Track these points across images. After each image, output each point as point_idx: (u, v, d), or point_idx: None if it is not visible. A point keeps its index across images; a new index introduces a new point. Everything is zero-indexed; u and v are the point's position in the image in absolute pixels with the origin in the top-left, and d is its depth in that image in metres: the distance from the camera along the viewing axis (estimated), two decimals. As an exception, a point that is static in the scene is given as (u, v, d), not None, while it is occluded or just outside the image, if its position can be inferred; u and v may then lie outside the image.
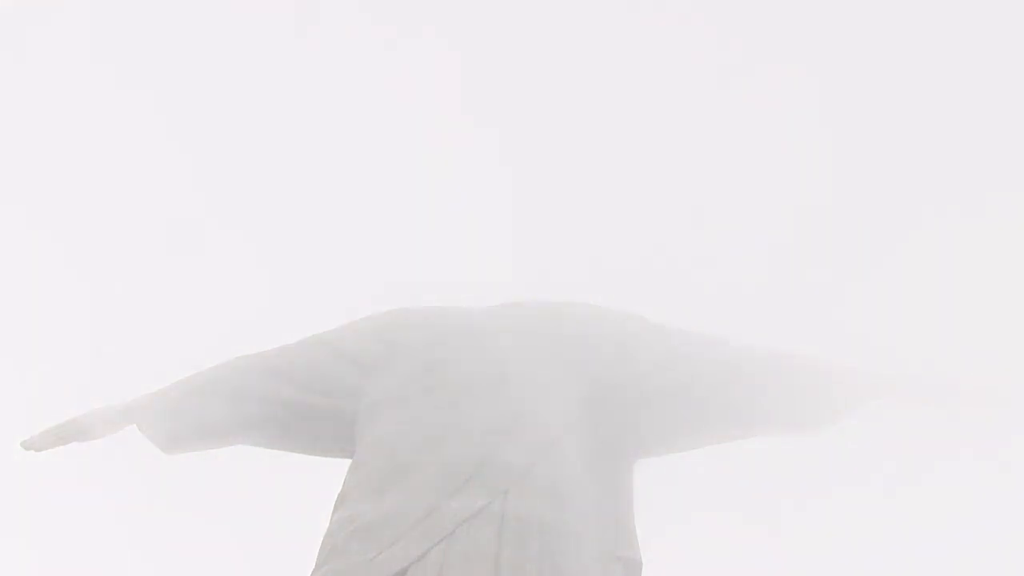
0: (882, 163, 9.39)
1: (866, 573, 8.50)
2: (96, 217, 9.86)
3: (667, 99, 9.71)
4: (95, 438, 7.46)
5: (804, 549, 8.43)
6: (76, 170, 9.94)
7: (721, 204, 9.38)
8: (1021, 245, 8.83)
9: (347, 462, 7.10)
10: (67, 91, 10.02)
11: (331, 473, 7.15)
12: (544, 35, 9.87)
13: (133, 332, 9.29)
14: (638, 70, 9.78)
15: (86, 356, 9.20)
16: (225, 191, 9.76)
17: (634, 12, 9.81)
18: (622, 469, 7.09)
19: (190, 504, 8.81)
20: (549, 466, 6.81)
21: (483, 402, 6.98)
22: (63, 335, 9.51)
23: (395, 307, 7.61)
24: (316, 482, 7.40)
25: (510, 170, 9.63)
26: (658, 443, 7.19)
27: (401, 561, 6.60)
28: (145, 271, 9.63)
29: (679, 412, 7.11)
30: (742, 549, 8.50)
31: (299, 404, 7.25)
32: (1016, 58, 9.40)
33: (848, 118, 9.52)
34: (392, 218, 9.60)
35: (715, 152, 9.60)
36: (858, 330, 8.18)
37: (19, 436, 7.46)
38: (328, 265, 9.39)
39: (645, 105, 9.72)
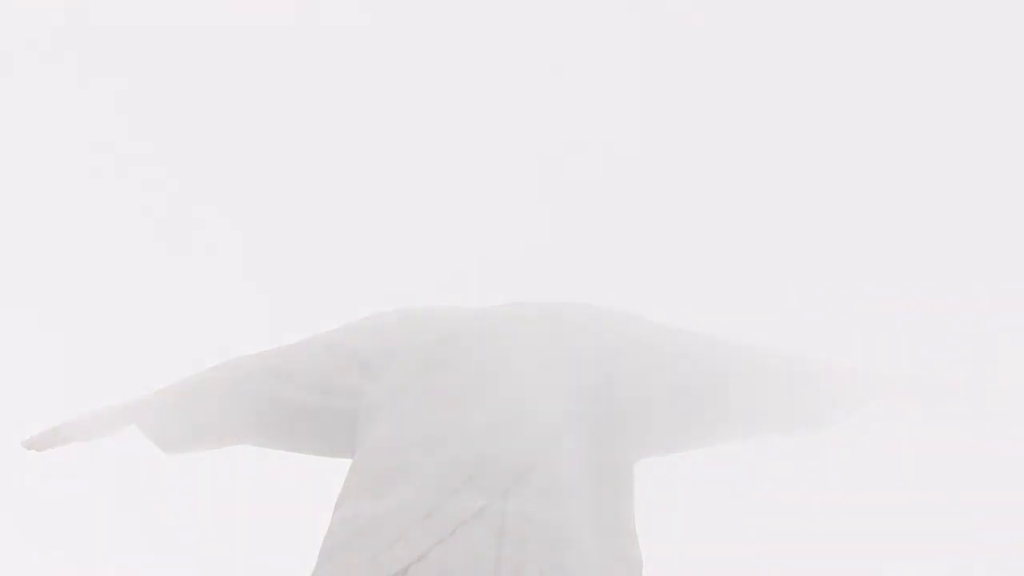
0: (884, 162, 9.41)
1: (867, 571, 8.52)
2: (96, 216, 9.88)
3: (667, 98, 9.74)
4: (96, 438, 7.47)
5: (806, 549, 8.44)
6: (75, 170, 9.96)
7: (721, 203, 9.40)
8: (1021, 245, 8.86)
9: (347, 462, 7.10)
10: (64, 93, 10.04)
11: (331, 473, 7.16)
12: (540, 33, 9.89)
13: (133, 332, 9.32)
14: (638, 69, 9.80)
15: (86, 356, 9.23)
16: (225, 191, 9.79)
17: (633, 11, 9.83)
18: (623, 469, 7.09)
19: (189, 504, 8.83)
20: (550, 466, 6.80)
21: (483, 402, 6.98)
22: (63, 335, 9.53)
23: (396, 307, 7.61)
24: (316, 482, 7.40)
25: (510, 170, 9.66)
26: (659, 443, 7.18)
27: (401, 561, 6.60)
28: (145, 271, 9.65)
29: (679, 412, 7.10)
30: (743, 549, 8.52)
31: (300, 404, 7.25)
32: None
33: (848, 117, 9.54)
34: (392, 218, 9.62)
35: (715, 151, 9.63)
36: (858, 330, 8.20)
37: (20, 435, 7.48)
38: (328, 265, 9.41)
39: (645, 104, 9.74)
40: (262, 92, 9.95)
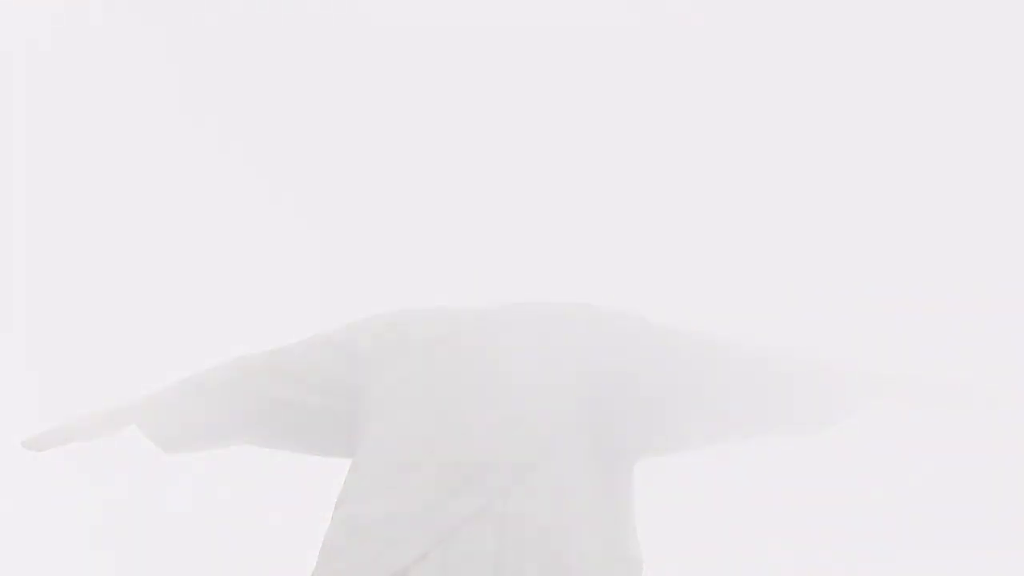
0: (883, 161, 9.40)
1: (867, 570, 8.51)
2: (98, 215, 9.87)
3: (666, 95, 9.73)
4: (96, 438, 7.46)
5: (806, 549, 8.44)
6: (78, 171, 9.95)
7: (721, 203, 9.39)
8: (1021, 243, 8.85)
9: (347, 462, 7.10)
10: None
11: (331, 473, 7.15)
12: (542, 31, 9.88)
13: (133, 332, 9.31)
14: (639, 67, 9.80)
15: (86, 355, 9.22)
16: (224, 190, 9.78)
17: (633, 11, 9.83)
18: (623, 469, 7.08)
19: (188, 504, 8.83)
20: (550, 466, 6.79)
21: (484, 402, 6.96)
22: (62, 335, 9.52)
23: (396, 306, 7.61)
24: (316, 482, 7.40)
25: (509, 168, 9.65)
26: (658, 443, 7.17)
27: (401, 561, 6.59)
28: (144, 270, 9.65)
29: (679, 413, 7.08)
30: (743, 549, 8.52)
31: (299, 404, 7.24)
32: None
33: (847, 113, 9.53)
34: (393, 217, 9.62)
35: (714, 149, 9.62)
36: (858, 330, 8.20)
37: (20, 435, 7.48)
38: (328, 265, 9.40)
39: (644, 101, 9.73)
40: (266, 91, 9.94)
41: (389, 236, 9.58)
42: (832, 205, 9.26)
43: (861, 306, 8.70)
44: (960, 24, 9.50)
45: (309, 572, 6.76)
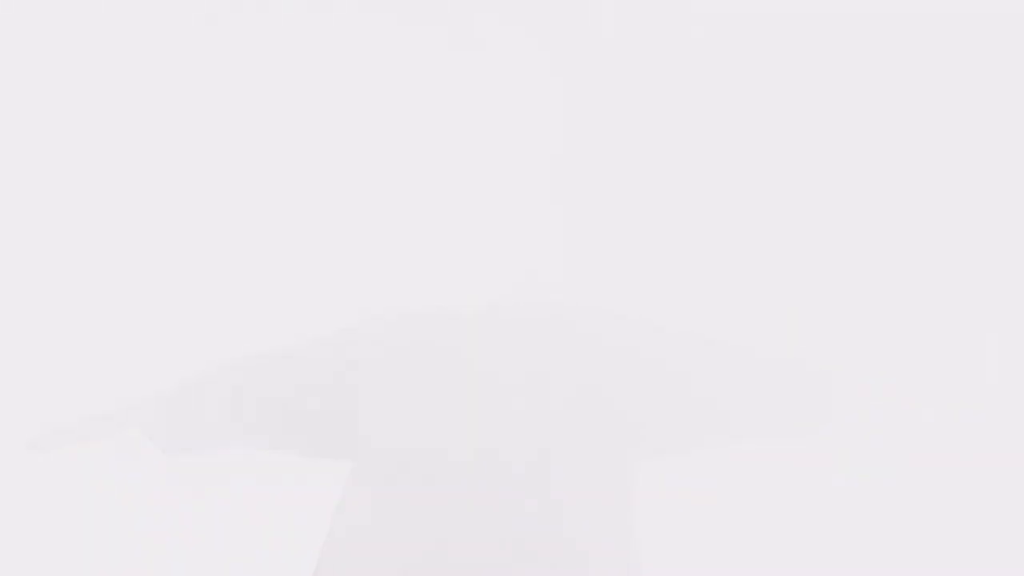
0: (879, 161, 9.40)
1: (866, 571, 8.53)
2: (100, 216, 9.88)
3: (669, 95, 9.73)
4: (98, 439, 7.50)
5: (806, 549, 8.45)
6: (79, 175, 9.96)
7: (718, 204, 9.39)
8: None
9: (347, 464, 7.12)
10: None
11: (331, 474, 7.17)
12: (544, 30, 9.89)
13: (133, 333, 9.32)
14: (632, 67, 9.80)
15: (84, 357, 9.23)
16: (223, 189, 9.79)
17: (640, 13, 9.82)
18: (622, 470, 7.11)
19: (188, 506, 8.84)
20: (549, 468, 6.82)
21: (482, 403, 7.00)
22: (61, 336, 9.54)
23: (395, 307, 7.64)
24: (316, 483, 7.42)
25: (507, 166, 9.65)
26: (658, 445, 7.20)
27: (401, 561, 6.61)
28: (143, 270, 9.66)
29: (678, 415, 7.12)
30: (744, 549, 8.52)
31: (299, 406, 7.28)
32: None
33: (848, 115, 9.54)
34: (391, 218, 9.62)
35: (714, 148, 9.62)
36: (856, 332, 8.20)
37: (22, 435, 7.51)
38: (328, 265, 9.41)
39: (642, 100, 9.74)
40: (261, 88, 9.95)
41: (388, 236, 9.59)
42: (831, 205, 9.26)
43: (858, 308, 8.71)
44: (957, 27, 9.50)
45: (309, 573, 6.78)
